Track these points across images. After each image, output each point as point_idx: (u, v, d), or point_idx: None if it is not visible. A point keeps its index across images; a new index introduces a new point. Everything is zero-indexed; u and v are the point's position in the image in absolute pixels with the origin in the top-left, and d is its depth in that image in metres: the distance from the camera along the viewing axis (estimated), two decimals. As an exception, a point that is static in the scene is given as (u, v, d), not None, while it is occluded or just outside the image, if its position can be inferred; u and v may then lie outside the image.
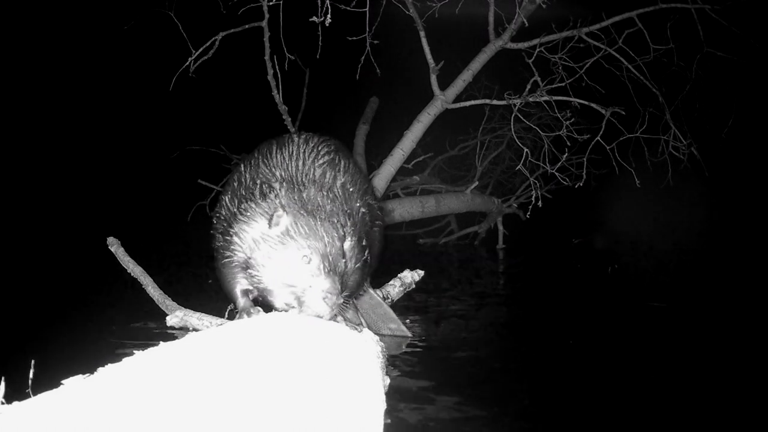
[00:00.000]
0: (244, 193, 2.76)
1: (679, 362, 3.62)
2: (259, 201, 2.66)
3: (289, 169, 2.83)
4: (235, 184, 2.89)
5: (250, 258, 2.61)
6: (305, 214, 2.56)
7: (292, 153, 2.90)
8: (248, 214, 2.66)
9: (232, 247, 2.69)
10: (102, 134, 11.19)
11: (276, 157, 2.89)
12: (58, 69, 10.78)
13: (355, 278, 2.78)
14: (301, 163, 2.86)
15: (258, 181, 2.77)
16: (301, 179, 2.77)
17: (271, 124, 6.40)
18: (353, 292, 2.87)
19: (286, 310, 2.56)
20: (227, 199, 2.86)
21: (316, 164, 2.87)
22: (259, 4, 5.93)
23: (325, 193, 2.70)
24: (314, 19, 5.31)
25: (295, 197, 2.64)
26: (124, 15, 6.80)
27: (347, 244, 2.65)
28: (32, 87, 10.66)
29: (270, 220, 2.56)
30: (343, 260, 2.58)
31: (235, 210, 2.71)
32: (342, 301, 2.50)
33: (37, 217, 9.81)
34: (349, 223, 2.68)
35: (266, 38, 6.00)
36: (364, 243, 2.81)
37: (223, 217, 2.81)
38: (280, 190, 2.67)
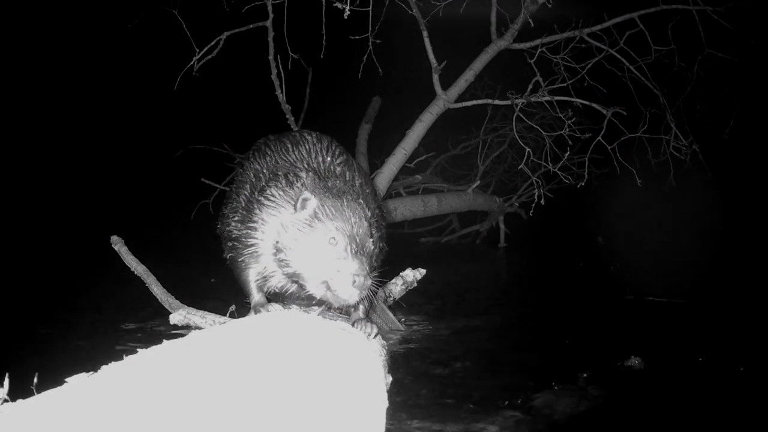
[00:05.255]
0: (265, 183, 2.73)
1: (676, 363, 3.63)
2: (286, 188, 2.65)
3: (311, 164, 2.82)
4: (252, 178, 2.86)
5: (277, 242, 2.58)
6: (331, 196, 2.54)
7: (310, 150, 2.89)
8: (274, 200, 2.63)
9: (255, 233, 2.67)
10: (106, 133, 11.21)
11: (293, 153, 2.88)
12: (62, 68, 10.80)
13: (375, 276, 2.74)
14: (321, 159, 2.86)
15: (281, 172, 2.74)
16: (325, 173, 2.76)
17: (274, 123, 6.41)
18: (379, 280, 2.81)
19: (315, 297, 2.52)
20: (245, 191, 2.83)
21: (335, 162, 2.87)
22: (263, 2, 5.95)
23: (349, 186, 2.70)
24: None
25: (321, 184, 2.63)
26: (128, 14, 6.81)
27: (374, 231, 2.61)
28: (36, 86, 10.68)
29: (296, 204, 2.55)
30: (371, 239, 2.54)
31: (259, 197, 2.68)
32: (370, 282, 2.44)
33: (41, 215, 9.84)
34: (371, 213, 2.64)
35: (270, 38, 6.01)
36: (381, 245, 2.80)
37: (241, 208, 2.78)
38: (306, 178, 2.66)
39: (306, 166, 2.79)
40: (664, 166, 7.13)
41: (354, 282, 2.38)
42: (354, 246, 2.43)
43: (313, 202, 2.52)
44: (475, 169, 9.46)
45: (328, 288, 2.43)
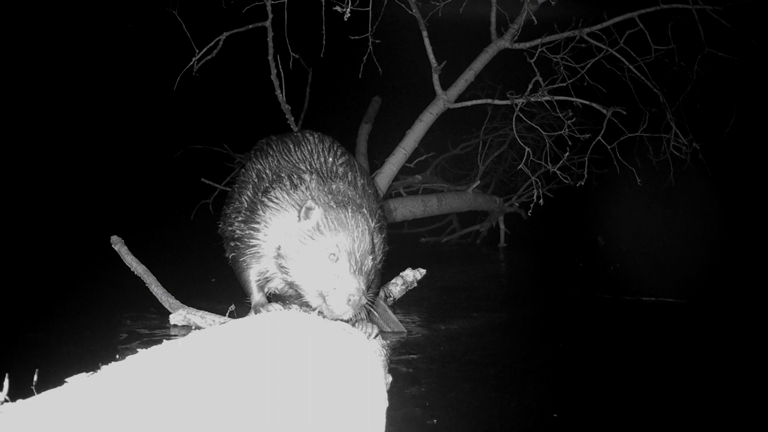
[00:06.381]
0: (269, 184, 2.72)
1: (677, 363, 3.63)
2: (290, 191, 2.63)
3: (314, 164, 2.80)
4: (254, 178, 2.85)
5: (279, 248, 2.57)
6: (335, 206, 2.51)
7: (312, 151, 2.88)
8: (278, 202, 2.62)
9: (257, 234, 2.67)
10: (106, 133, 11.21)
11: (296, 153, 2.87)
12: (62, 68, 10.80)
13: (376, 281, 2.76)
14: (323, 160, 2.84)
15: (284, 173, 2.73)
16: (327, 174, 2.75)
17: (274, 123, 6.42)
18: (375, 293, 2.83)
19: (309, 306, 2.51)
20: (248, 191, 2.81)
21: (338, 163, 2.86)
22: (262, 3, 5.95)
23: (352, 188, 2.69)
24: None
25: (325, 189, 2.61)
26: (128, 14, 6.82)
27: (376, 240, 2.60)
28: (36, 86, 10.68)
29: (300, 212, 2.52)
30: (371, 256, 2.52)
31: (263, 199, 2.67)
32: (365, 301, 2.44)
33: (41, 215, 9.84)
34: (374, 221, 2.63)
35: (270, 38, 6.01)
36: (383, 246, 2.79)
37: (244, 208, 2.77)
38: (310, 181, 2.65)
39: (309, 167, 2.78)
40: (664, 165, 7.13)
41: (349, 301, 2.38)
42: (353, 264, 2.42)
43: (317, 213, 2.49)
44: (475, 169, 9.47)
45: (324, 301, 2.43)
